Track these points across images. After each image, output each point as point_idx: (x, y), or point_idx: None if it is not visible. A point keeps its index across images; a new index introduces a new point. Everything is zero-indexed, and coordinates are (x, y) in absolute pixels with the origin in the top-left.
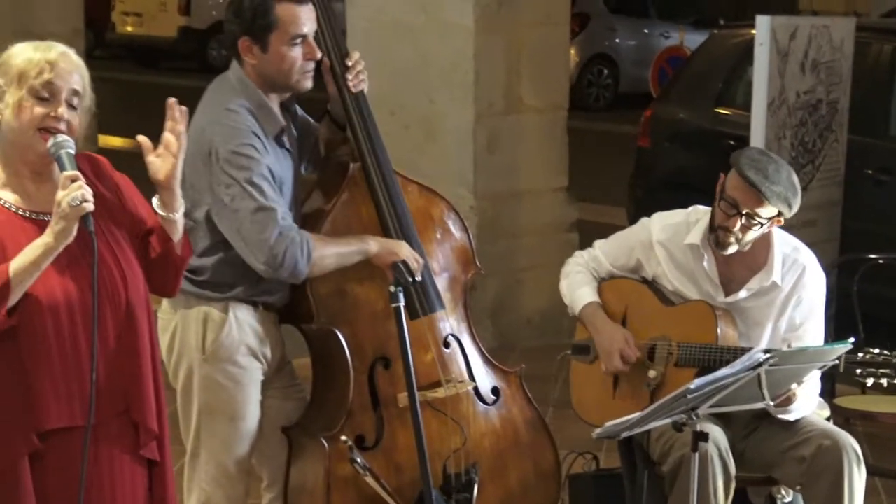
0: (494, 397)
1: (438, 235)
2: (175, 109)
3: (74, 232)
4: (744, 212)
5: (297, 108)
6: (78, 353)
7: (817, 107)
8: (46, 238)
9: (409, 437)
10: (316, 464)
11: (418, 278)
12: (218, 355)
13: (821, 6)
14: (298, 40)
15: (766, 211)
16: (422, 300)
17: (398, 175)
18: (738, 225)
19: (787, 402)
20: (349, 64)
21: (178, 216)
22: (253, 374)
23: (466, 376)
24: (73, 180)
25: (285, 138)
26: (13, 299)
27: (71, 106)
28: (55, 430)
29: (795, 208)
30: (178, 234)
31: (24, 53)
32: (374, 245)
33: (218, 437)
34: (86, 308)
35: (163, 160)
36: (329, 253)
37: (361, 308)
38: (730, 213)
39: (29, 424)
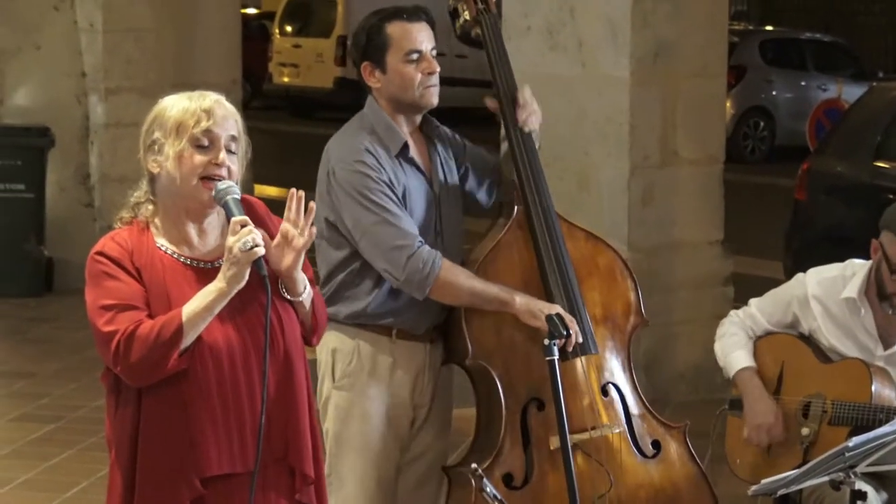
0: (655, 450)
1: (602, 283)
2: (293, 200)
3: (247, 276)
4: None
5: (465, 141)
6: (238, 400)
7: None
8: (219, 283)
9: (558, 480)
10: (463, 499)
11: (573, 334)
12: (344, 385)
13: None
14: (414, 55)
15: None
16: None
17: (564, 221)
18: None
19: None
20: (520, 102)
21: (305, 297)
22: (380, 408)
23: (624, 425)
24: (243, 225)
25: (413, 155)
26: (185, 343)
27: (230, 151)
28: (215, 477)
29: None
30: (304, 309)
31: (178, 104)
32: (518, 300)
33: (347, 468)
34: (246, 355)
35: (284, 252)
36: (463, 285)
37: (517, 348)
38: None
39: (192, 470)
